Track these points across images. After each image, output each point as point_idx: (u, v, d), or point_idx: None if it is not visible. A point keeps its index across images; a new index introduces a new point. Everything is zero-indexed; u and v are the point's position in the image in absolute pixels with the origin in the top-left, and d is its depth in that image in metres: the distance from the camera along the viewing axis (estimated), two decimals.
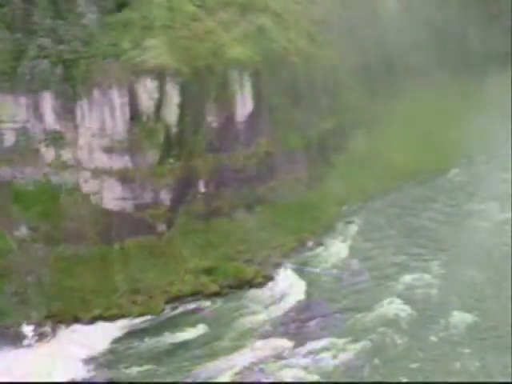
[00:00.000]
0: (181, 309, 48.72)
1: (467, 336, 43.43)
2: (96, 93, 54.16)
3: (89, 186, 54.50)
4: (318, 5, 72.63)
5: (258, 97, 59.69)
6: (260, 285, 51.39)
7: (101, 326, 47.04)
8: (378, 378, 39.44)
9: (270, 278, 52.17)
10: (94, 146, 54.60)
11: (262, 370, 41.04)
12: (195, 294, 49.88)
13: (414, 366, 40.53)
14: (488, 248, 55.58)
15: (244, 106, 59.02)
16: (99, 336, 45.70)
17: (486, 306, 46.84)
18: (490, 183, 69.71)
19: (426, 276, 51.40)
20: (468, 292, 48.89)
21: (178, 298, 49.36)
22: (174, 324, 47.02)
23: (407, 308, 46.98)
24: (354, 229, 60.80)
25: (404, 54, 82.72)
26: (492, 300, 47.71)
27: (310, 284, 51.37)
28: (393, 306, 47.30)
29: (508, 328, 43.49)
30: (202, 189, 56.47)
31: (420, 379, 39.10)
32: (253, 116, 59.61)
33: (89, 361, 43.37)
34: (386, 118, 76.55)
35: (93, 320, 47.10)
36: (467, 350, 41.72)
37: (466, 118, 79.89)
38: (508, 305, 46.39)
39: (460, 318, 45.41)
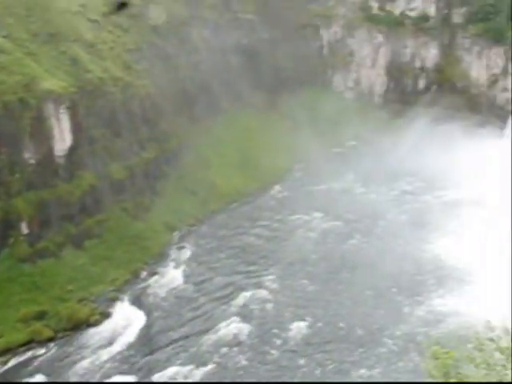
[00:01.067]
0: (13, 361, 45.11)
1: (305, 345, 45.77)
2: None
3: None
4: (131, 33, 72.43)
5: (76, 129, 57.67)
6: (97, 323, 49.35)
7: None
8: None
9: (106, 315, 50.33)
10: None
11: None
12: (28, 343, 46.54)
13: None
14: (315, 257, 59.40)
15: (63, 139, 56.60)
16: None
17: (318, 312, 49.70)
18: (311, 195, 74.63)
19: (261, 292, 53.15)
20: (301, 302, 51.47)
21: (9, 350, 45.70)
22: (8, 379, 43.36)
23: (246, 326, 48.20)
24: (186, 254, 60.99)
25: (220, 78, 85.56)
26: (323, 307, 50.73)
27: (148, 315, 50.53)
28: (233, 326, 48.20)
29: (338, 332, 46.84)
30: (25, 230, 52.93)
31: None
32: (73, 149, 57.48)
33: None
34: (208, 141, 78.35)
35: None
36: (305, 359, 43.94)
37: (282, 136, 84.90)
38: (337, 309, 49.85)
39: (296, 328, 47.64)
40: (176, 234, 64.30)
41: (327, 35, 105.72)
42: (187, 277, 56.53)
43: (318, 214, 69.46)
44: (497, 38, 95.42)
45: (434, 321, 47.68)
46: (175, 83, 76.62)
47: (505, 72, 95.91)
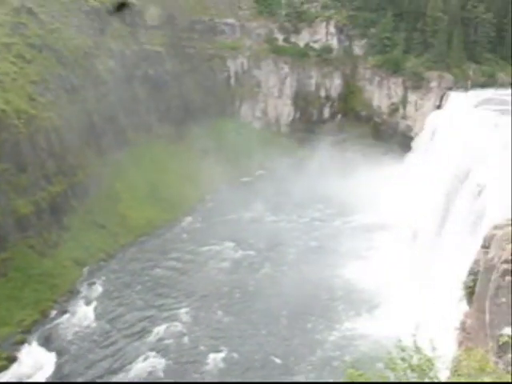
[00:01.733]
0: None
1: (222, 376, 45.32)
2: None
3: None
4: (35, 64, 70.47)
5: None
6: (2, 369, 46.75)
7: None
8: None
9: (12, 359, 47.76)
10: None
11: None
12: None
13: None
14: (229, 287, 59.30)
15: None
16: None
17: (234, 343, 49.46)
18: (223, 225, 74.82)
19: (176, 325, 52.33)
20: (217, 334, 51.08)
21: None
22: None
23: (162, 361, 47.20)
24: (97, 290, 59.20)
25: (127, 110, 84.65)
26: (238, 338, 50.56)
27: (58, 357, 48.39)
28: (149, 361, 47.09)
29: (255, 362, 46.78)
30: None
31: None
32: None
33: None
34: (116, 174, 76.99)
35: None
36: None
37: (191, 167, 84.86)
38: (252, 339, 49.84)
39: (213, 360, 47.17)
40: (86, 270, 62.32)
41: (234, 66, 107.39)
42: (99, 314, 54.80)
43: (229, 244, 69.63)
44: (394, 69, 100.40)
45: (347, 345, 48.58)
46: (82, 115, 75.03)
47: (404, 101, 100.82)
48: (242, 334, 50.91)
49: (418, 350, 13.68)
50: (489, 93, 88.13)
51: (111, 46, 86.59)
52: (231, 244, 69.69)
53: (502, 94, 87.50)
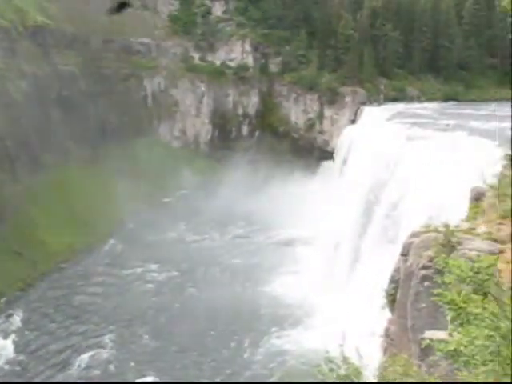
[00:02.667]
0: None
1: None
2: None
3: None
4: None
5: None
6: None
7: None
8: None
9: None
10: None
11: None
12: None
13: None
14: (154, 310, 58.25)
15: None
16: None
17: (163, 367, 48.52)
18: (145, 247, 73.61)
19: (101, 352, 50.78)
20: (144, 358, 49.95)
21: None
22: None
23: None
24: (15, 322, 56.66)
25: (41, 133, 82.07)
26: (167, 361, 49.68)
27: None
28: None
29: None
30: None
31: None
32: None
33: None
34: (32, 199, 74.37)
35: None
36: None
37: (111, 189, 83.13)
38: (181, 362, 49.10)
39: None
40: (3, 301, 59.58)
41: (151, 86, 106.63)
42: (18, 346, 52.34)
43: (153, 266, 68.62)
44: (310, 85, 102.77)
45: (275, 361, 48.63)
46: None
47: (320, 116, 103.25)
48: (170, 358, 50.00)
49: (345, 359, 13.83)
50: (400, 106, 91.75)
51: (23, 66, 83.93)
52: (154, 266, 68.69)
53: (412, 107, 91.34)
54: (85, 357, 49.95)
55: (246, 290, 61.65)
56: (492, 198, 27.14)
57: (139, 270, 67.78)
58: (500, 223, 23.93)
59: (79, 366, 48.82)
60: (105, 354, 50.65)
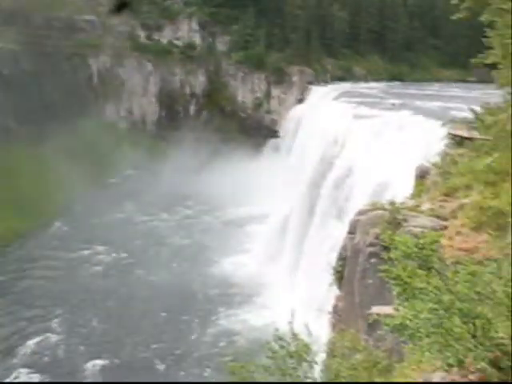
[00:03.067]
0: None
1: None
2: None
3: None
4: None
5: None
6: None
7: None
8: None
9: None
10: None
11: None
12: None
13: None
14: (103, 292, 57.61)
15: None
16: None
17: (113, 348, 48.18)
18: (93, 228, 72.51)
19: (50, 336, 49.97)
20: (94, 341, 49.44)
21: None
22: None
23: (36, 376, 44.89)
24: None
25: None
26: (117, 343, 49.33)
27: None
28: (21, 380, 44.59)
29: (137, 367, 45.93)
30: None
31: None
32: None
33: None
34: None
35: None
36: None
37: (56, 170, 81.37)
38: (132, 344, 48.88)
39: (91, 367, 45.60)
40: None
41: (96, 65, 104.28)
42: None
43: (101, 248, 67.69)
44: (257, 65, 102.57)
45: (225, 341, 48.98)
46: None
47: (267, 95, 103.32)
48: (120, 340, 49.63)
49: (294, 336, 14.06)
50: (347, 86, 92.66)
51: None
52: (103, 248, 67.79)
53: (359, 87, 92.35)
54: (32, 342, 49.06)
55: (195, 271, 61.64)
56: (435, 175, 27.83)
57: (86, 252, 66.82)
58: (442, 200, 24.57)
59: (26, 351, 47.94)
60: (53, 338, 49.85)
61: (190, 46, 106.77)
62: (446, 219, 22.70)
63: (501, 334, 8.66)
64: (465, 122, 32.66)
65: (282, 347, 13.66)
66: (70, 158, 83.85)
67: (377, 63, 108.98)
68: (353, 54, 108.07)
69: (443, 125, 40.95)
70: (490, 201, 19.34)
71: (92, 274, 61.88)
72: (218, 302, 55.46)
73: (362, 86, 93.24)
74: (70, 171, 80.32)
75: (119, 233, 71.52)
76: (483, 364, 8.53)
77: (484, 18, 18.90)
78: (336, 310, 26.97)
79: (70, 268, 63.14)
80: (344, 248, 27.34)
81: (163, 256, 66.15)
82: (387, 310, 15.80)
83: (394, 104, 66.67)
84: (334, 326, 26.25)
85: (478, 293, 9.07)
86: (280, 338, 13.84)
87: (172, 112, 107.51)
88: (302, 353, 13.52)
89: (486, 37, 19.39)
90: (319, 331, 19.91)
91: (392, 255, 10.12)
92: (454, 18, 19.89)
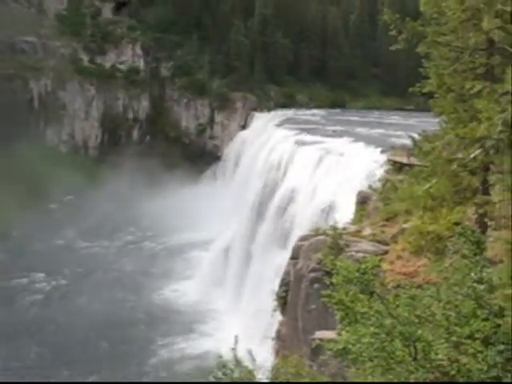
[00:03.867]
0: None
1: None
2: None
3: None
4: None
5: None
6: None
7: None
8: None
9: None
10: None
11: None
12: None
13: None
14: (42, 322, 55.66)
15: None
16: None
17: (47, 378, 46.55)
18: (32, 255, 70.30)
19: None
20: (29, 371, 47.64)
21: None
22: None
23: None
24: None
25: None
26: (51, 372, 47.70)
27: None
28: None
29: None
30: None
31: None
32: None
33: None
34: None
35: None
36: None
37: None
38: (70, 377, 47.38)
39: None
40: None
41: (37, 88, 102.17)
42: None
43: (40, 275, 65.68)
44: (201, 90, 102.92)
45: (167, 370, 48.01)
46: None
47: (211, 121, 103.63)
48: (57, 373, 47.93)
49: (238, 363, 13.91)
50: (289, 113, 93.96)
51: None
52: (41, 275, 65.77)
53: (301, 113, 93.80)
54: None
55: (137, 298, 60.52)
56: (376, 201, 28.40)
57: (25, 280, 64.65)
58: (383, 225, 25.06)
59: None
60: None
61: (134, 71, 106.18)
62: (387, 244, 23.14)
63: (440, 356, 8.81)
64: (404, 148, 33.54)
65: (225, 374, 13.49)
66: (7, 182, 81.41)
67: (319, 90, 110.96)
68: (296, 81, 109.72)
69: (383, 151, 41.96)
70: (429, 226, 19.80)
71: (30, 303, 59.78)
72: (159, 330, 54.44)
73: (305, 113, 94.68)
74: (7, 196, 77.91)
75: (59, 260, 69.59)
76: None
77: (420, 49, 19.63)
78: (279, 336, 26.97)
79: (8, 297, 60.88)
80: (287, 274, 27.45)
81: (104, 283, 64.63)
82: (330, 334, 15.89)
83: (335, 131, 67.95)
84: (277, 351, 26.20)
85: (418, 316, 9.23)
86: (223, 366, 13.66)
87: (114, 137, 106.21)
88: (245, 380, 13.37)
89: (422, 67, 20.12)
90: (263, 357, 19.81)
91: (334, 280, 10.21)
92: (392, 48, 20.51)
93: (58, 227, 78.31)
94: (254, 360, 14.98)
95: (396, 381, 8.70)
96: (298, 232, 30.60)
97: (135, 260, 71.14)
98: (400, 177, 29.86)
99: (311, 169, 50.91)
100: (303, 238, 26.42)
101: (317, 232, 25.94)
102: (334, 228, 24.33)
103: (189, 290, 60.67)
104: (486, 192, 18.71)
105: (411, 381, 8.67)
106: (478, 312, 9.25)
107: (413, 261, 20.43)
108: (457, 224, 16.77)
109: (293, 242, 28.76)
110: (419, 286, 11.58)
